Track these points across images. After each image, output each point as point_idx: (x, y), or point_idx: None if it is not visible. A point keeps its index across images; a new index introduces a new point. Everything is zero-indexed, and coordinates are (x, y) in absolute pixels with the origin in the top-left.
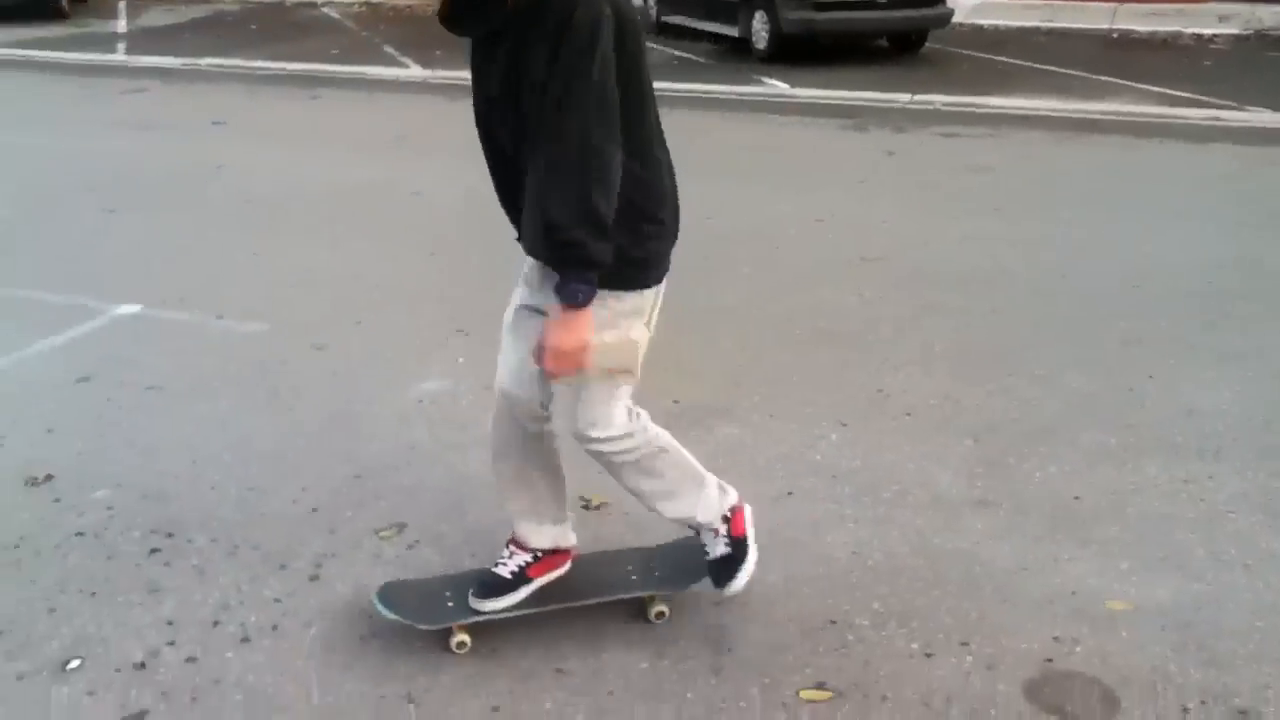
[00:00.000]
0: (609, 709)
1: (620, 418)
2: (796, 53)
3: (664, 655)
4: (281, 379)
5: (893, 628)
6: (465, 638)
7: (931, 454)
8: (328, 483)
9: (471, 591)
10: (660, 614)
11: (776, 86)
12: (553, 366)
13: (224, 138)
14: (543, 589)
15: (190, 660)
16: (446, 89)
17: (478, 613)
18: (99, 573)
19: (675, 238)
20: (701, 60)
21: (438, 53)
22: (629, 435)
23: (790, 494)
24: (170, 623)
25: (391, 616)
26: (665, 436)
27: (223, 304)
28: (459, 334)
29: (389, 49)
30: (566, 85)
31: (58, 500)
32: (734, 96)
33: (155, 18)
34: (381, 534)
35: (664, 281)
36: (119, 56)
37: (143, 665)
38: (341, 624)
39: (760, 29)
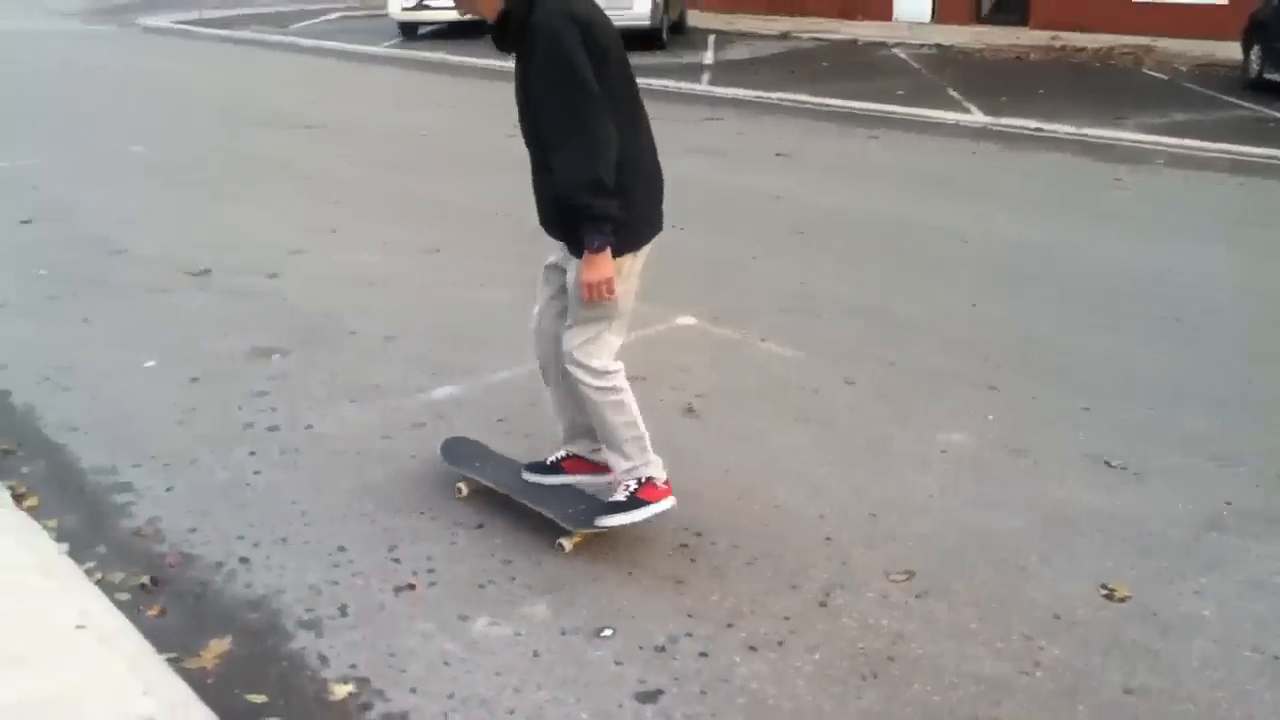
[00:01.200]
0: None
1: (600, 356)
2: None
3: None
4: (811, 407)
5: None
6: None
7: None
8: (845, 514)
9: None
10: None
11: None
12: (589, 297)
13: (785, 169)
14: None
15: (703, 655)
16: (1006, 136)
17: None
18: (637, 556)
19: (651, 226)
20: None
21: (1003, 99)
22: (601, 375)
23: None
24: (689, 615)
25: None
26: (630, 402)
27: (767, 327)
28: (990, 390)
29: (953, 92)
30: (549, 81)
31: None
32: None
33: (737, 51)
34: (892, 577)
35: (642, 250)
36: (702, 86)
37: (662, 649)
38: (843, 656)
39: None
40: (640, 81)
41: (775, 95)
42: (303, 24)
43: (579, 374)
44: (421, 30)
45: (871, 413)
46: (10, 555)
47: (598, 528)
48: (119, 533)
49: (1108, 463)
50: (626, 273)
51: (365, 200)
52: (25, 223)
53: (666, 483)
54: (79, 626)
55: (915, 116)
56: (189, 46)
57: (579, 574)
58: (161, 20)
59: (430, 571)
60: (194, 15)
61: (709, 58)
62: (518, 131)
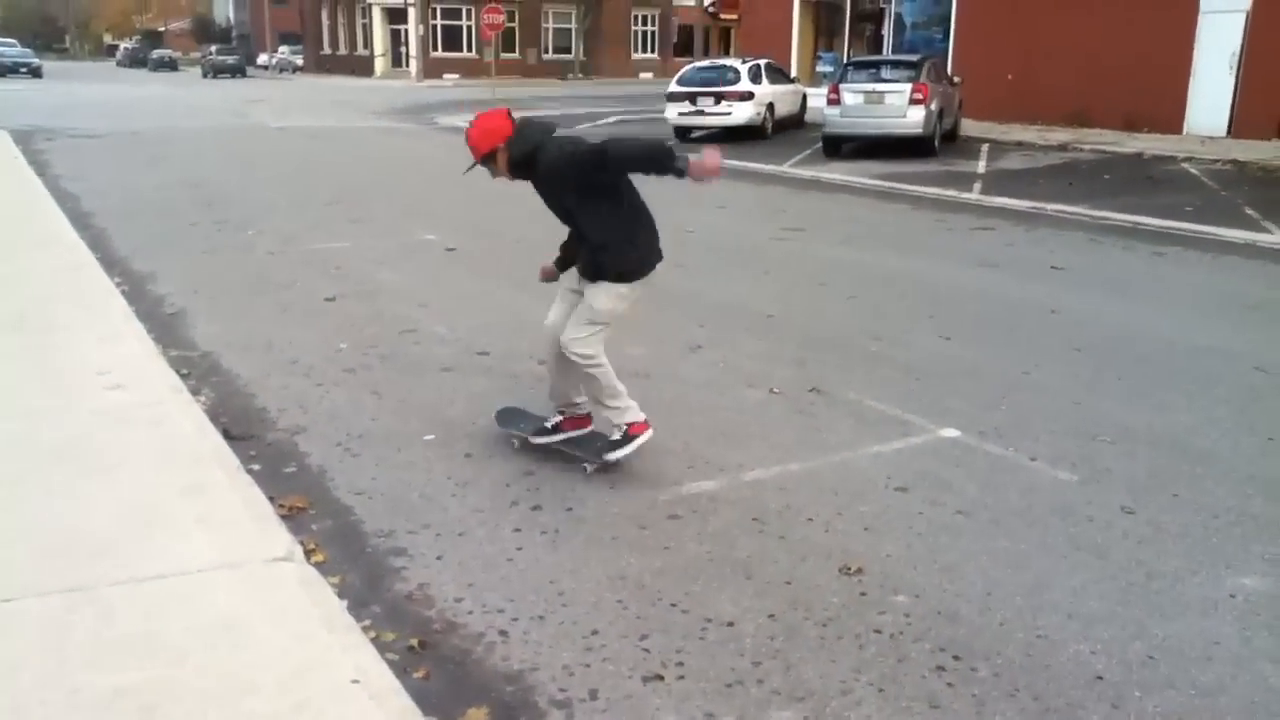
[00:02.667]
0: None
1: (594, 347)
2: None
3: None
4: (1084, 534)
5: None
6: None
7: None
8: (1119, 653)
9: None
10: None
11: None
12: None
13: (1062, 282)
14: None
15: None
16: None
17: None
18: (889, 672)
19: (651, 264)
20: None
21: None
22: (593, 358)
23: None
24: None
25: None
26: (611, 373)
27: (1037, 445)
28: None
29: (1250, 211)
30: (571, 175)
31: (864, 594)
32: None
33: (1012, 161)
34: None
35: (639, 282)
36: (973, 195)
37: None
38: None
39: None
40: (908, 189)
41: (1051, 207)
42: (585, 126)
43: (578, 359)
44: (695, 134)
45: (1153, 546)
46: (300, 606)
47: (607, 460)
48: (393, 595)
49: None
50: (630, 295)
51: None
52: (329, 300)
53: (645, 421)
54: (354, 681)
55: (1206, 234)
56: None
57: (830, 685)
58: (457, 120)
59: (679, 665)
60: None
61: (981, 167)
62: (784, 233)
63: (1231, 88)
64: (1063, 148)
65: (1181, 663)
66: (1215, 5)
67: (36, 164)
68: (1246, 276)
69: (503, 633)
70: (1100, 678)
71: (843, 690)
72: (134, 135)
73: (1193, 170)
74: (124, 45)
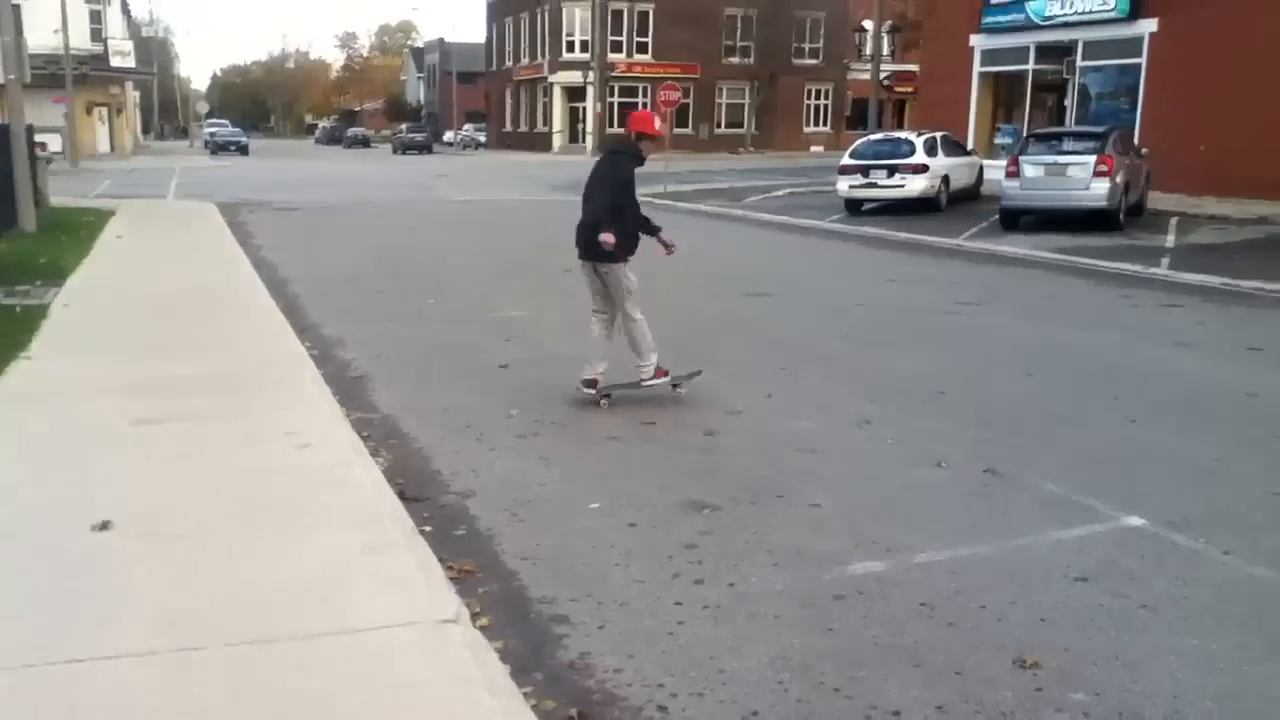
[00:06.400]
0: None
1: (638, 311)
2: None
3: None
4: None
5: None
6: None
7: None
8: None
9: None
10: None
11: None
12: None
13: (1260, 364)
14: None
15: None
16: None
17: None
18: None
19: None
20: None
21: None
22: (638, 320)
23: None
24: None
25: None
26: (648, 329)
27: (1232, 538)
28: None
29: None
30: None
31: (1039, 690)
32: None
33: (1204, 235)
34: None
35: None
36: (1160, 270)
37: None
38: None
39: None
40: (1090, 263)
41: (1246, 284)
42: (755, 199)
43: (628, 320)
44: (866, 207)
45: None
46: (466, 670)
47: (643, 385)
48: (554, 662)
49: None
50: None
51: (803, 367)
52: (504, 366)
53: (665, 369)
54: None
55: None
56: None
57: None
58: None
59: None
60: (659, 189)
61: (1169, 241)
62: (958, 307)
63: None
64: (1261, 221)
65: None
66: None
67: (240, 234)
68: None
69: (662, 708)
70: None
71: None
72: (328, 208)
73: None
74: (322, 124)
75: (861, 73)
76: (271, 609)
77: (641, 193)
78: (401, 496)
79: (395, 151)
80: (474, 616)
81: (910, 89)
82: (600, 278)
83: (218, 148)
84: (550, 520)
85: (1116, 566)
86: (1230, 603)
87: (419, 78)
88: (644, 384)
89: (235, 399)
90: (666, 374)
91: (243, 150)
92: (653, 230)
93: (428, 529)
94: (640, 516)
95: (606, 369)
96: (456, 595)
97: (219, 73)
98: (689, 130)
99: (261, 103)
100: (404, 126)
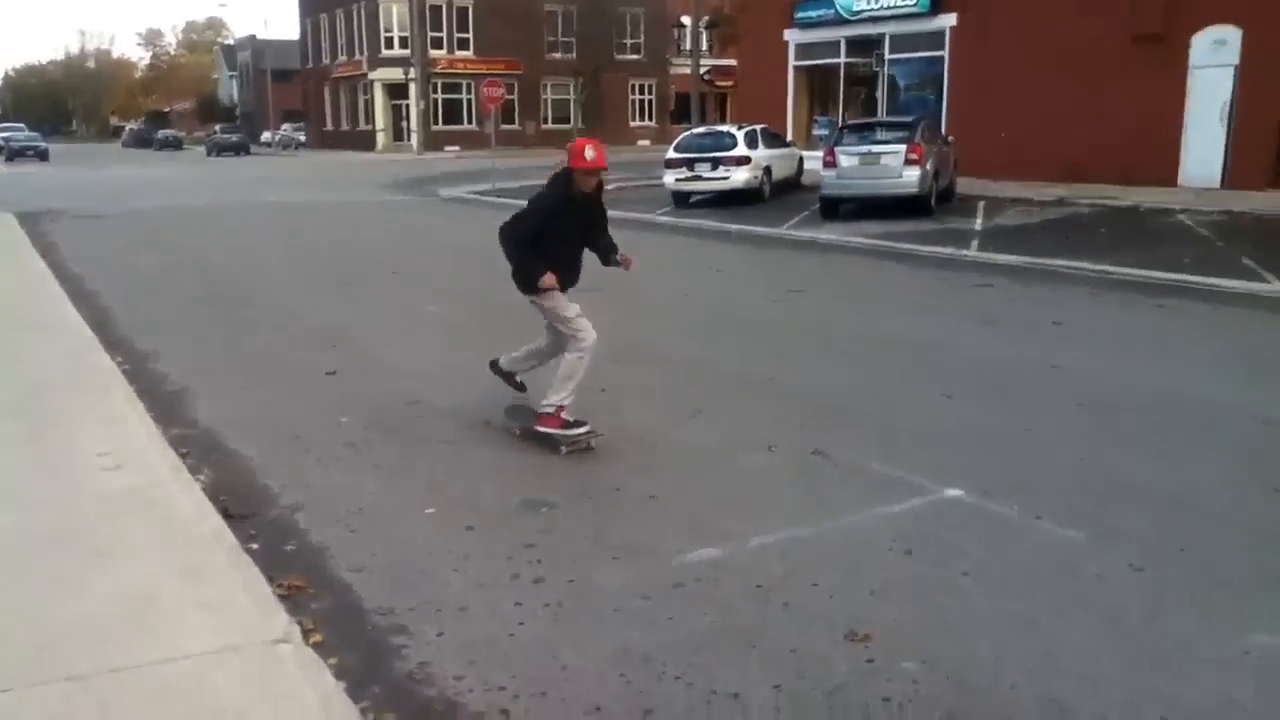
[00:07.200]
0: None
1: (583, 346)
2: None
3: None
4: (1094, 594)
5: None
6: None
7: None
8: (1134, 713)
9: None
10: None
11: None
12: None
13: (1062, 338)
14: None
15: None
16: None
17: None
18: None
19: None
20: None
21: None
22: (578, 358)
23: None
24: None
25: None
26: (583, 371)
27: (1042, 503)
28: None
29: (1247, 261)
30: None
31: (871, 661)
32: None
33: (1009, 218)
34: None
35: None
36: (971, 252)
37: None
38: None
39: None
40: (906, 247)
41: (1049, 262)
42: None
43: (572, 337)
44: (693, 199)
45: (1164, 604)
46: (297, 690)
47: (534, 429)
48: (393, 674)
49: None
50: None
51: (634, 361)
52: (330, 374)
53: (563, 420)
54: None
55: (1205, 285)
56: (483, 214)
57: None
58: (458, 190)
59: None
60: (486, 186)
61: (978, 224)
62: (784, 295)
63: (1223, 140)
64: (1059, 202)
65: None
66: (1205, 60)
67: (41, 245)
68: (1248, 327)
69: (504, 711)
70: None
71: None
72: (137, 214)
73: (1188, 222)
74: (129, 126)
75: (683, 68)
76: (87, 644)
77: (468, 190)
78: (225, 514)
79: (210, 154)
80: (306, 634)
81: (730, 83)
82: (540, 309)
83: (13, 154)
84: (385, 529)
85: (938, 537)
86: (1044, 565)
87: (231, 76)
88: (537, 428)
89: (36, 422)
90: (561, 425)
91: (42, 156)
92: (609, 260)
93: (254, 546)
94: (477, 519)
95: (521, 367)
96: (286, 614)
97: (11, 73)
98: (516, 127)
99: (61, 104)
100: (218, 127)
